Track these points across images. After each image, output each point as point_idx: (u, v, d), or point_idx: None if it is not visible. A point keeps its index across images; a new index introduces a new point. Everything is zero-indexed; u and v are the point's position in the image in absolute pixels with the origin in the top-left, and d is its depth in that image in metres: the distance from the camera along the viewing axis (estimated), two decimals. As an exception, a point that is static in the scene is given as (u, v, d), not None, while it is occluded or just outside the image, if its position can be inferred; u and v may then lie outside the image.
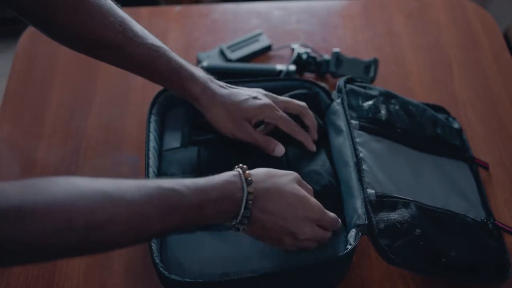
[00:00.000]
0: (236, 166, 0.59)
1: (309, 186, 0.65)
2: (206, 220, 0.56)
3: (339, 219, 0.66)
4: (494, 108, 0.94)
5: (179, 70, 0.69)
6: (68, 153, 0.86)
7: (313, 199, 0.63)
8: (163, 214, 0.51)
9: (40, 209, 0.43)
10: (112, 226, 0.48)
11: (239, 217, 0.57)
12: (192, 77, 0.70)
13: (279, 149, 0.73)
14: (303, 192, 0.62)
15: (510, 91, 0.96)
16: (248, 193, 0.57)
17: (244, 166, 0.59)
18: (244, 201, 0.57)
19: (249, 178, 0.57)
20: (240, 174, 0.58)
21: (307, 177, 0.70)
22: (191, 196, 0.53)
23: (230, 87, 0.74)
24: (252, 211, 0.58)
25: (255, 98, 0.72)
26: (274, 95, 0.75)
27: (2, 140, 0.88)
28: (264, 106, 0.72)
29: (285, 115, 0.73)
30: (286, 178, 0.61)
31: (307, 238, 0.62)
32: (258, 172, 0.60)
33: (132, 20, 0.68)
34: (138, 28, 0.68)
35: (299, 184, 0.63)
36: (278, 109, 0.73)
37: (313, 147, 0.76)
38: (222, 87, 0.73)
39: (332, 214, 0.64)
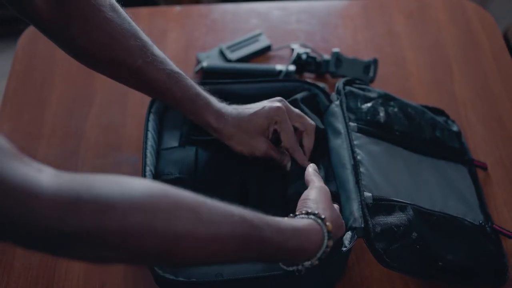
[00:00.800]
0: (315, 216, 0.58)
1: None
2: (281, 260, 0.57)
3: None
4: (494, 108, 0.94)
5: (195, 98, 0.69)
6: (68, 153, 0.86)
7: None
8: (238, 246, 0.50)
9: (121, 204, 0.42)
10: (186, 240, 0.45)
11: (317, 257, 0.57)
12: (206, 106, 0.70)
13: (289, 166, 0.73)
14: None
15: (510, 91, 0.96)
16: (327, 246, 0.57)
17: (318, 212, 0.58)
18: (325, 245, 0.56)
19: (322, 216, 0.57)
20: (322, 228, 0.57)
21: (301, 186, 0.70)
22: (271, 236, 0.52)
23: (241, 107, 0.72)
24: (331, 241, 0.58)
25: (264, 107, 0.71)
26: (290, 106, 0.73)
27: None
28: (271, 111, 0.71)
29: (291, 128, 0.72)
30: (328, 197, 0.63)
31: None
32: (320, 208, 0.59)
33: (153, 44, 0.68)
34: (158, 53, 0.68)
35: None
36: (287, 119, 0.72)
37: (304, 165, 0.73)
38: (235, 108, 0.72)
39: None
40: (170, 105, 0.71)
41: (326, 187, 0.64)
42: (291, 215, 0.59)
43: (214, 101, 0.71)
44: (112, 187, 0.43)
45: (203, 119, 0.70)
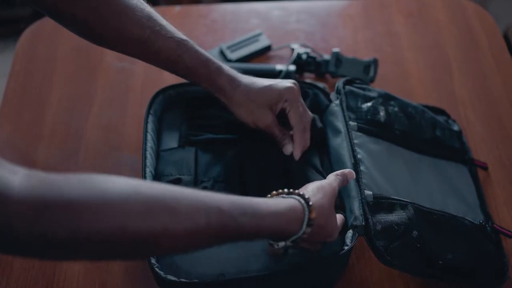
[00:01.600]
0: (299, 196, 0.57)
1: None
2: (256, 239, 0.55)
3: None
4: (493, 108, 0.94)
5: (206, 63, 0.69)
6: (68, 154, 0.86)
7: (339, 223, 0.65)
8: (216, 234, 0.50)
9: (93, 206, 0.41)
10: (163, 236, 0.45)
11: (299, 236, 0.56)
12: (219, 70, 0.70)
13: (288, 148, 0.73)
14: (339, 216, 0.65)
15: (510, 91, 0.96)
16: (304, 232, 0.56)
17: (307, 197, 0.57)
18: (305, 226, 0.56)
19: (311, 203, 0.56)
20: (304, 211, 0.56)
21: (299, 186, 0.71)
22: (247, 224, 0.52)
23: (256, 78, 0.73)
24: (313, 226, 0.57)
25: (277, 83, 0.71)
26: (299, 93, 0.73)
27: (2, 140, 0.88)
28: (285, 90, 0.71)
29: (301, 109, 0.72)
30: (330, 195, 0.61)
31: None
32: (314, 195, 0.59)
33: (158, 14, 0.67)
34: (165, 22, 0.67)
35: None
36: (299, 99, 0.72)
37: (296, 155, 0.73)
38: (248, 78, 0.72)
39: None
40: (181, 74, 0.70)
41: (336, 190, 0.63)
42: (274, 193, 0.59)
43: (226, 66, 0.71)
44: (85, 188, 0.42)
45: (215, 83, 0.70)
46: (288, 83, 0.71)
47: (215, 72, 0.70)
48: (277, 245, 0.58)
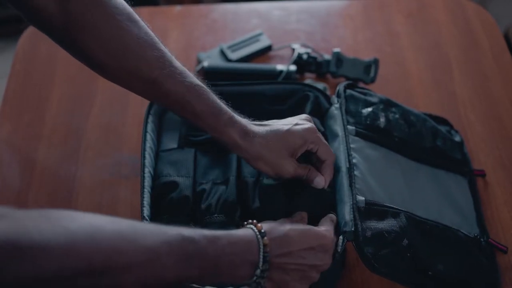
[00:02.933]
0: (246, 223, 0.59)
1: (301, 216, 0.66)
2: (223, 275, 0.55)
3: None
4: (494, 108, 0.94)
5: (217, 113, 0.65)
6: (68, 153, 0.86)
7: (316, 228, 0.63)
8: (179, 263, 0.50)
9: (61, 249, 0.42)
10: (128, 271, 0.46)
11: (259, 268, 0.56)
12: (230, 121, 0.65)
13: (319, 181, 0.68)
14: (305, 226, 0.63)
15: (510, 91, 0.96)
16: (264, 245, 0.56)
17: (254, 221, 0.59)
18: (262, 254, 0.56)
19: (262, 230, 0.57)
20: (253, 230, 0.57)
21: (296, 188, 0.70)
22: (207, 248, 0.52)
23: (269, 124, 0.68)
24: (271, 260, 0.57)
25: (296, 124, 0.67)
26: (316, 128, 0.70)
27: (2, 140, 0.88)
28: (307, 131, 0.67)
29: (326, 143, 0.69)
30: (290, 220, 0.62)
31: (327, 265, 0.62)
32: (267, 222, 0.60)
33: (172, 56, 0.65)
34: (177, 64, 0.65)
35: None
36: (321, 137, 0.69)
37: (325, 185, 0.70)
38: (261, 125, 0.68)
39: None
40: (190, 120, 0.67)
41: (320, 235, 0.61)
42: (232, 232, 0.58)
43: (238, 116, 0.67)
44: (53, 230, 0.43)
45: (227, 135, 0.65)
46: (303, 122, 0.68)
47: (226, 123, 0.65)
48: (256, 282, 0.57)
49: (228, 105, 0.67)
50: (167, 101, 0.66)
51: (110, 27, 0.61)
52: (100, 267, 0.44)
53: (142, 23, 0.64)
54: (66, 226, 0.44)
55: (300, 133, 0.66)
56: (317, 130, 0.69)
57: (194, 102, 0.64)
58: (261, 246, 0.56)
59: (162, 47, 0.65)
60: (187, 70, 0.66)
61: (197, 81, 0.65)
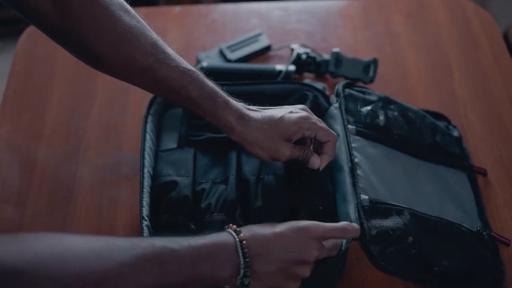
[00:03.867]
0: (226, 226, 0.58)
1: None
2: (205, 279, 0.53)
3: (352, 225, 0.63)
4: (494, 108, 0.94)
5: (212, 96, 0.65)
6: (68, 153, 0.86)
7: (308, 223, 0.59)
8: (156, 273, 0.50)
9: (30, 271, 0.42)
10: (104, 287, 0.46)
11: (241, 270, 0.54)
12: (226, 105, 0.65)
13: (315, 161, 0.68)
14: (295, 225, 0.59)
15: (510, 91, 0.96)
16: (241, 241, 0.55)
17: (233, 226, 0.57)
18: (240, 250, 0.54)
19: (238, 229, 0.56)
20: (229, 232, 0.56)
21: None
22: (181, 251, 0.52)
23: (265, 109, 0.69)
24: (252, 260, 0.55)
25: (291, 112, 0.67)
26: (311, 113, 0.70)
27: (2, 140, 0.88)
28: (301, 119, 0.67)
29: (324, 125, 0.69)
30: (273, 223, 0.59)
31: (318, 257, 0.60)
32: (247, 226, 0.59)
33: (164, 43, 0.65)
34: (170, 51, 0.65)
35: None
36: (317, 123, 0.68)
37: (322, 166, 0.69)
38: (257, 111, 0.68)
39: (339, 225, 0.62)
40: (186, 106, 0.67)
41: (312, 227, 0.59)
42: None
43: (233, 100, 0.67)
44: (13, 252, 0.43)
45: (223, 119, 0.65)
46: (298, 111, 0.68)
47: (222, 106, 0.65)
48: (241, 284, 0.55)
49: (223, 89, 0.67)
50: (163, 88, 0.65)
51: (105, 18, 0.61)
52: (73, 286, 0.44)
53: (133, 12, 0.64)
54: (34, 248, 0.44)
55: (293, 120, 0.66)
56: (312, 117, 0.68)
57: (189, 87, 0.64)
58: (238, 243, 0.55)
59: (154, 34, 0.65)
60: (180, 56, 0.66)
61: (190, 66, 0.66)
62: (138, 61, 0.63)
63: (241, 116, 0.66)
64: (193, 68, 0.66)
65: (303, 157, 0.68)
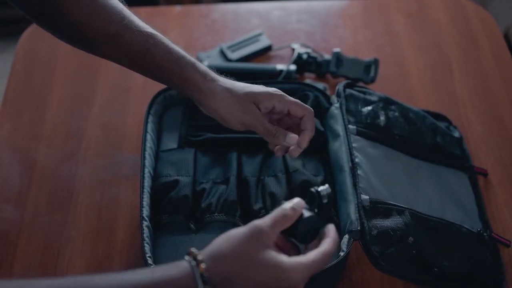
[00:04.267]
0: (186, 256, 0.49)
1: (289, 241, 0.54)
2: None
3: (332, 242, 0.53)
4: (494, 108, 0.94)
5: (178, 58, 0.64)
6: (68, 153, 0.86)
7: (290, 261, 0.49)
8: None
9: None
10: None
11: None
12: (193, 65, 0.65)
13: (292, 137, 0.65)
14: (274, 259, 0.49)
15: (510, 91, 0.96)
16: (201, 273, 0.47)
17: (197, 255, 0.48)
18: (198, 277, 0.47)
19: (205, 273, 0.47)
20: (191, 266, 0.48)
21: (298, 189, 0.70)
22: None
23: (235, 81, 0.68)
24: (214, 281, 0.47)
25: (261, 85, 0.67)
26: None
27: (2, 140, 0.88)
28: (275, 91, 0.65)
29: (298, 101, 0.66)
30: (248, 246, 0.49)
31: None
32: (215, 250, 0.49)
33: (129, 11, 0.66)
34: (135, 18, 0.65)
35: (267, 240, 0.50)
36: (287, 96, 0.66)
37: (299, 150, 0.67)
38: (226, 77, 0.67)
39: (322, 249, 0.51)
40: (152, 72, 0.66)
41: (261, 229, 0.50)
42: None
43: (201, 64, 0.66)
44: None
45: (190, 79, 0.64)
46: (276, 89, 0.67)
47: (187, 68, 0.64)
48: None
49: (191, 55, 0.66)
50: (129, 54, 0.65)
51: None
52: None
53: None
54: None
55: (266, 89, 0.65)
56: (286, 95, 0.66)
57: (155, 50, 0.64)
58: (197, 274, 0.47)
59: (120, 4, 0.65)
60: (142, 21, 0.66)
61: (153, 30, 0.65)
62: (103, 28, 0.63)
63: (210, 76, 0.65)
64: (158, 33, 0.65)
65: (274, 133, 0.65)
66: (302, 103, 0.67)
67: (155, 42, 0.64)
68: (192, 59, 0.66)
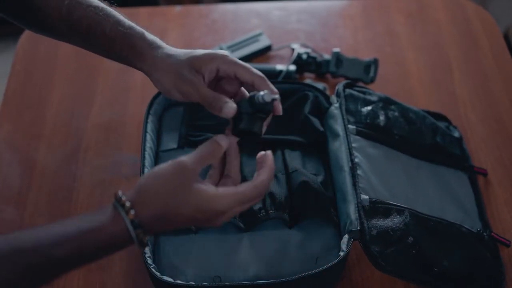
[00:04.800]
0: (115, 202, 0.51)
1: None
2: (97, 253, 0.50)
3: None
4: (494, 108, 0.94)
5: (128, 28, 0.62)
6: (68, 153, 0.86)
7: (215, 190, 0.52)
8: (39, 278, 0.48)
9: None
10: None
11: (133, 234, 0.49)
12: (142, 35, 0.62)
13: (229, 107, 0.57)
14: (198, 190, 0.51)
15: (510, 91, 0.96)
16: (138, 237, 0.49)
17: (125, 202, 0.50)
18: (128, 222, 0.49)
19: (134, 221, 0.49)
20: (120, 213, 0.50)
21: (298, 189, 0.70)
22: (65, 255, 0.48)
23: None
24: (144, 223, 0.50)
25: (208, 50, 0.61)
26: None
27: (2, 140, 0.88)
28: (218, 52, 0.59)
29: (246, 64, 0.60)
30: (173, 183, 0.51)
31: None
32: (142, 192, 0.51)
33: None
34: None
35: (191, 175, 0.51)
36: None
37: (279, 110, 0.60)
38: (173, 46, 0.64)
39: (250, 184, 0.54)
40: (103, 45, 0.64)
41: (184, 164, 0.52)
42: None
43: (151, 34, 0.64)
44: None
45: (137, 49, 0.62)
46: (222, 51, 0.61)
47: (137, 36, 0.62)
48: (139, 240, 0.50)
49: (140, 26, 0.65)
50: (80, 30, 0.63)
51: None
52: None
53: None
54: None
55: (207, 52, 0.59)
56: (229, 55, 0.60)
57: (104, 22, 0.62)
58: (127, 222, 0.49)
59: None
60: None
61: (103, 5, 0.64)
62: (53, 5, 0.63)
63: (156, 44, 0.62)
64: (107, 7, 0.64)
65: (212, 101, 0.58)
66: (251, 67, 0.59)
67: (105, 14, 0.63)
68: (141, 29, 0.63)
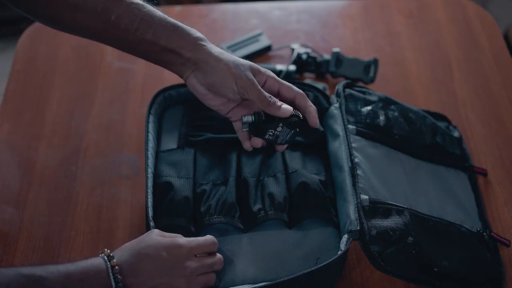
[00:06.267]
0: (100, 252, 0.59)
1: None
2: None
3: (213, 239, 0.64)
4: (494, 108, 0.94)
5: (173, 24, 0.63)
6: (68, 153, 0.86)
7: (180, 240, 0.62)
8: None
9: None
10: None
11: None
12: (189, 30, 0.65)
13: (287, 106, 0.65)
14: (164, 239, 0.61)
15: (510, 91, 0.96)
16: (112, 266, 0.57)
17: (107, 251, 0.59)
18: (111, 274, 0.56)
19: (111, 254, 0.58)
20: (102, 257, 0.58)
21: (297, 190, 0.70)
22: (51, 278, 0.53)
23: None
24: (124, 281, 0.57)
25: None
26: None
27: (2, 140, 0.88)
28: (267, 70, 0.67)
29: (288, 83, 0.67)
30: (145, 238, 0.61)
31: (199, 272, 0.61)
32: (121, 248, 0.60)
33: None
34: None
35: (161, 235, 0.62)
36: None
37: (316, 122, 0.68)
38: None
39: (206, 237, 0.64)
40: (145, 44, 0.63)
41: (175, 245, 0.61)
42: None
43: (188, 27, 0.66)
44: None
45: (188, 38, 0.64)
46: None
47: (187, 28, 0.64)
48: None
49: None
50: (118, 31, 0.62)
51: None
52: None
53: None
54: None
55: (259, 66, 0.66)
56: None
57: (147, 18, 0.62)
58: (109, 268, 0.56)
59: None
60: None
61: (141, 1, 0.63)
62: (89, 4, 0.60)
63: (202, 40, 0.65)
64: (144, 3, 0.63)
65: (270, 101, 0.64)
66: (293, 86, 0.68)
67: (148, 11, 0.62)
68: (184, 25, 0.65)
